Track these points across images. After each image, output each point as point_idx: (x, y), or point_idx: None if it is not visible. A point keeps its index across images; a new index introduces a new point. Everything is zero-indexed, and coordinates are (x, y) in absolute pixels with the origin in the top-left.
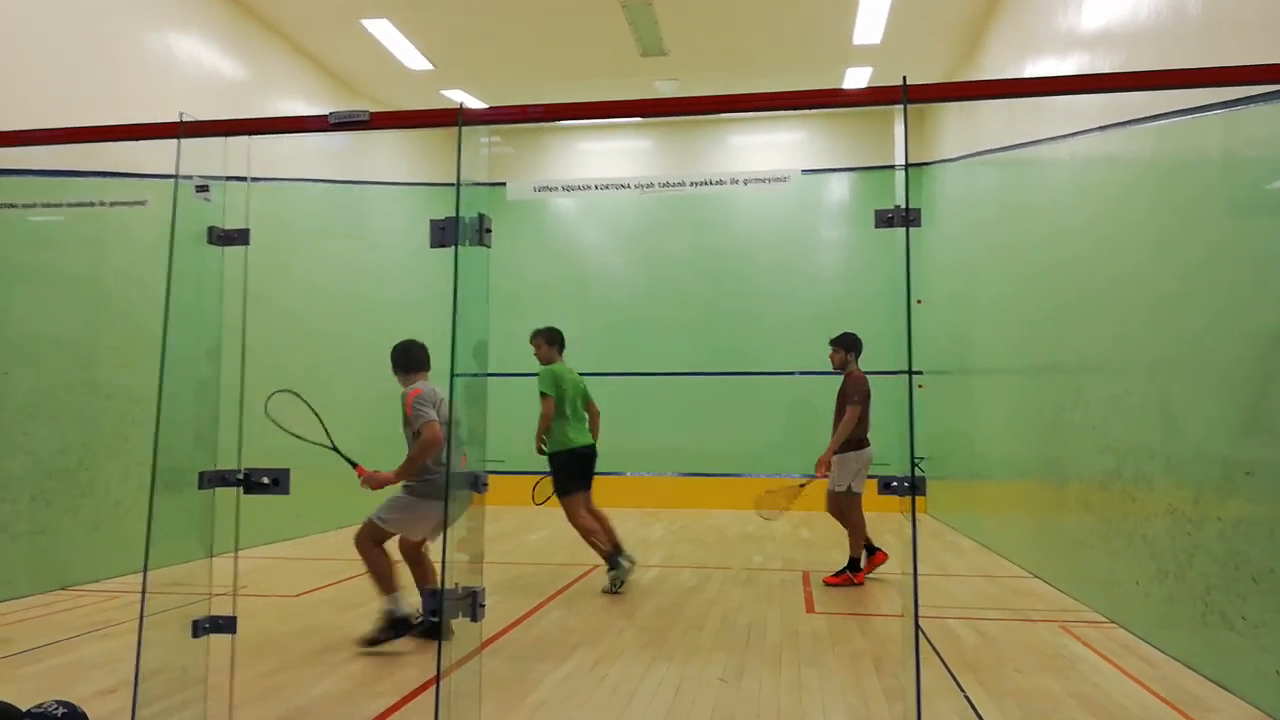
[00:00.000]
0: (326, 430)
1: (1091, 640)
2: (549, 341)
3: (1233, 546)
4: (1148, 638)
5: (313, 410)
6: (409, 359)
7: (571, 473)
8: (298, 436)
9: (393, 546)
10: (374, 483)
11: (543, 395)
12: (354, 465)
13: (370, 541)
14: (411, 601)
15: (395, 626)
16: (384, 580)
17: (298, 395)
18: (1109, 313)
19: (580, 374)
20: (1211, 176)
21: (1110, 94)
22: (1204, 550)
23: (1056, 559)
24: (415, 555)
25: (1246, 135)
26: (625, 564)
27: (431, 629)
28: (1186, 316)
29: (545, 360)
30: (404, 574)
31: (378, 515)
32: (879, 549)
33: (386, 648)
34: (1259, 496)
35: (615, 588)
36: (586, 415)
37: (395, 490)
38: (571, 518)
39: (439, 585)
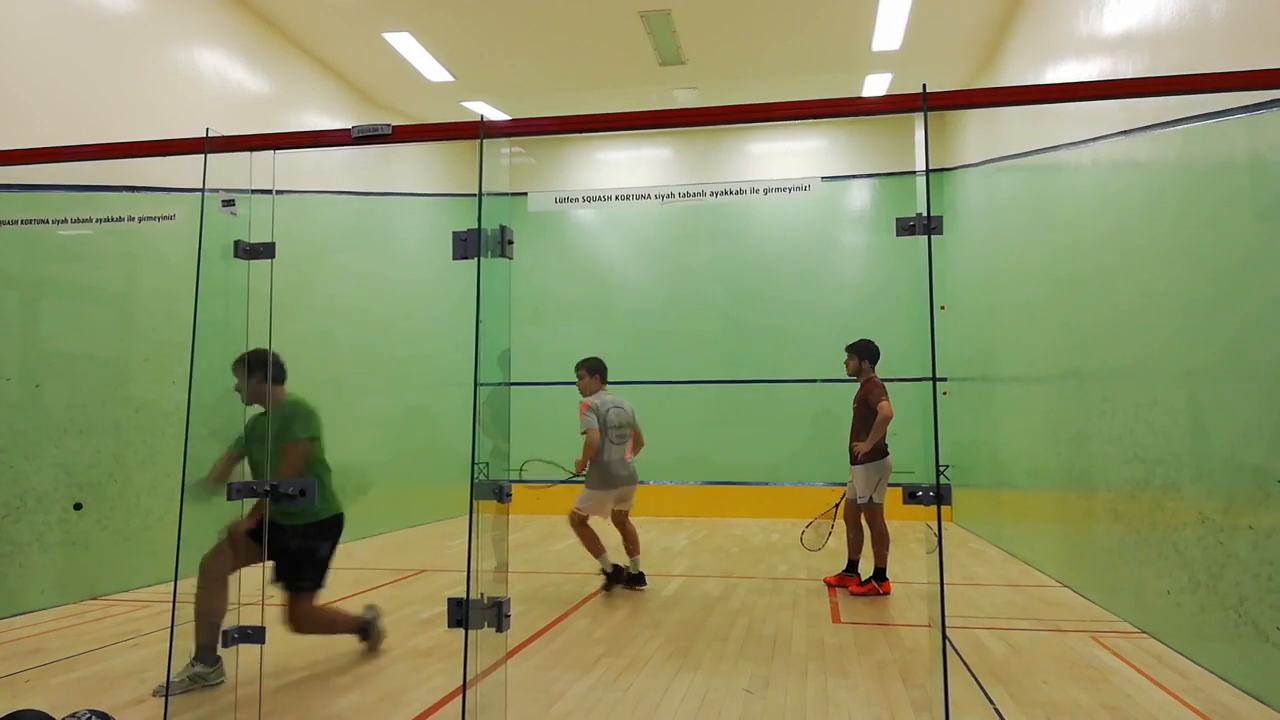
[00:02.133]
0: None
1: (1123, 651)
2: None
3: (1265, 556)
4: (1180, 649)
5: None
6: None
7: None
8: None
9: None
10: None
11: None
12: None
13: (577, 524)
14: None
15: (612, 578)
16: (594, 547)
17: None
18: (1136, 320)
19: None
20: (1238, 181)
21: (1133, 99)
22: (1236, 560)
23: (1085, 568)
24: (620, 525)
25: (1271, 139)
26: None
27: (634, 579)
28: (1215, 323)
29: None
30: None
31: (576, 504)
32: (858, 574)
33: (414, 657)
34: None
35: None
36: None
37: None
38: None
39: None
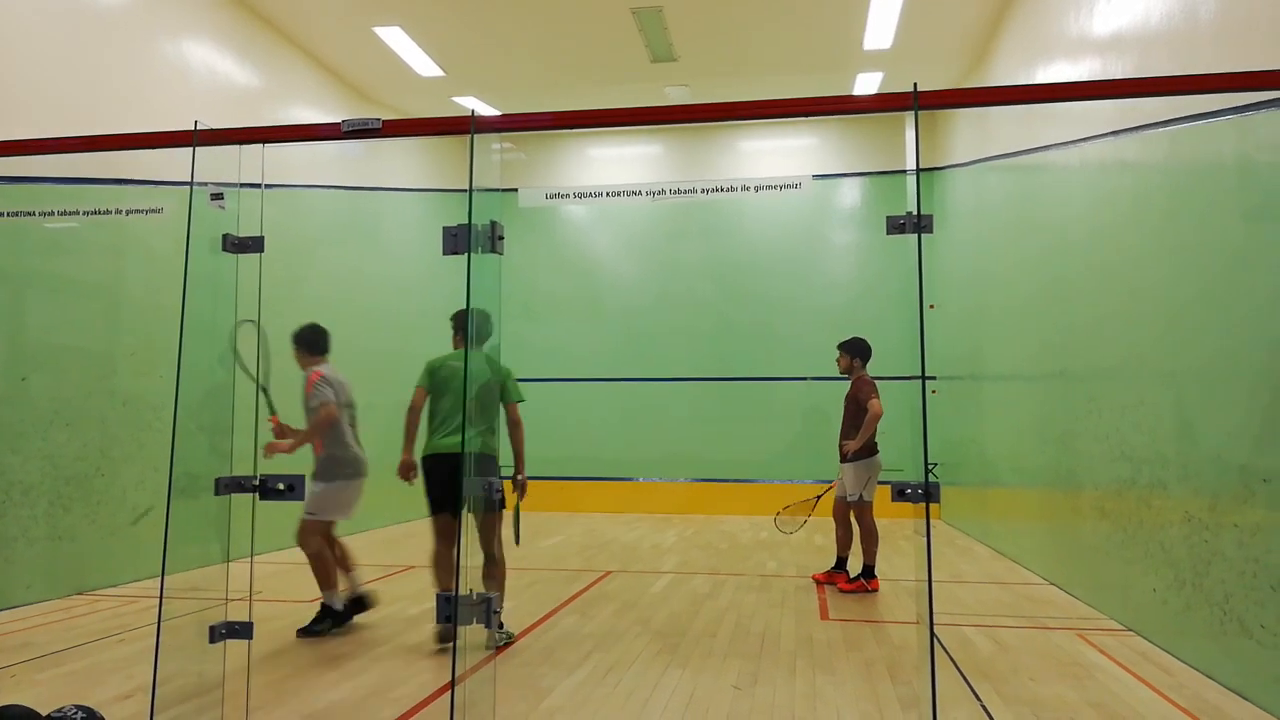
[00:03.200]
0: (262, 373)
1: (1109, 648)
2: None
3: (1250, 554)
4: (1166, 646)
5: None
6: (316, 342)
7: None
8: (245, 371)
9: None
10: (273, 447)
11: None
12: (272, 412)
13: (315, 537)
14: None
15: (332, 617)
16: (329, 575)
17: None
18: (1123, 319)
19: (592, 380)
20: (1226, 182)
21: (1122, 99)
22: (1221, 558)
23: (1072, 566)
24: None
25: (1260, 140)
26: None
27: (353, 610)
28: (1202, 323)
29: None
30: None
31: (308, 513)
32: (847, 571)
33: (402, 653)
34: (1277, 504)
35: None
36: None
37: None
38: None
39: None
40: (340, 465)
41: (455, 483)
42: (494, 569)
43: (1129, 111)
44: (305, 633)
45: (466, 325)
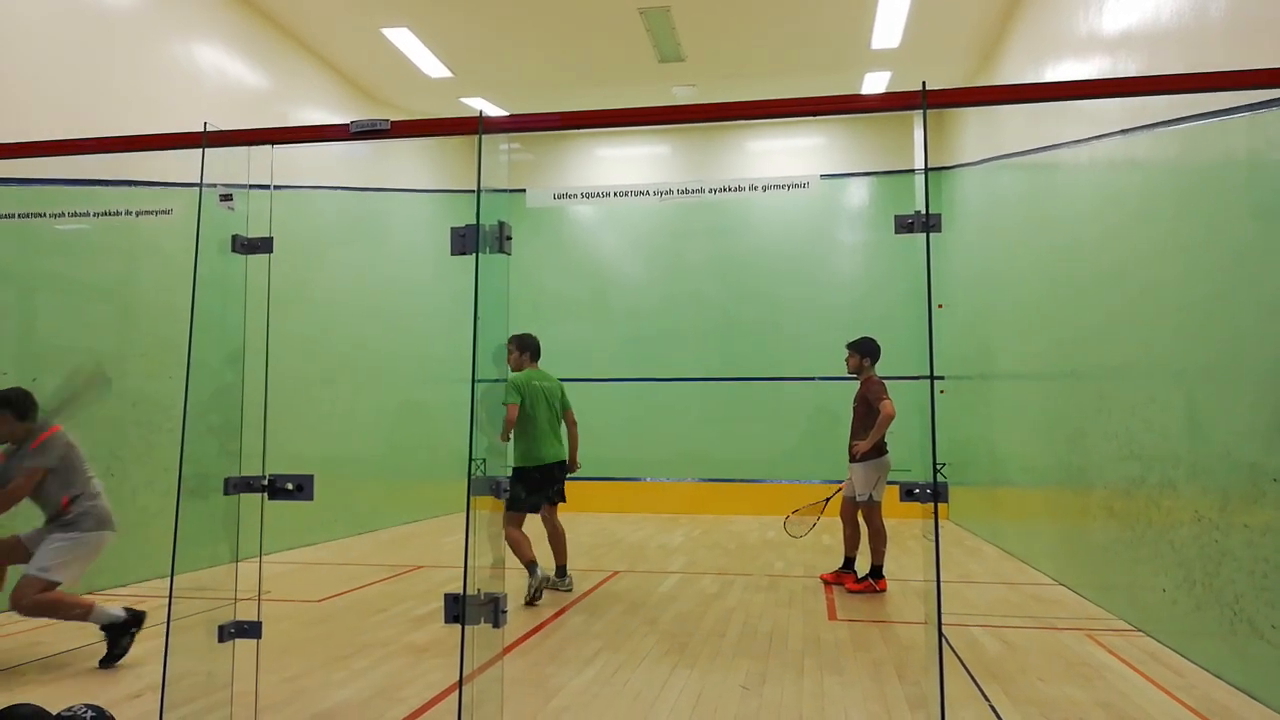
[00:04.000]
0: None
1: (1118, 649)
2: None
3: (1261, 554)
4: (1175, 646)
5: None
6: (33, 408)
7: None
8: None
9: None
10: None
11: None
12: None
13: (36, 594)
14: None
15: (129, 623)
16: (80, 606)
17: None
18: (1133, 318)
19: (600, 380)
20: (1237, 180)
21: (1132, 98)
22: (1231, 557)
23: (1081, 566)
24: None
25: (1270, 138)
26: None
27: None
28: (1212, 321)
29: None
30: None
31: (39, 570)
32: (855, 571)
33: (411, 652)
34: None
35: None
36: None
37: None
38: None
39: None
40: (92, 517)
41: (547, 486)
42: (557, 536)
43: (1139, 110)
44: (110, 660)
45: (530, 346)
